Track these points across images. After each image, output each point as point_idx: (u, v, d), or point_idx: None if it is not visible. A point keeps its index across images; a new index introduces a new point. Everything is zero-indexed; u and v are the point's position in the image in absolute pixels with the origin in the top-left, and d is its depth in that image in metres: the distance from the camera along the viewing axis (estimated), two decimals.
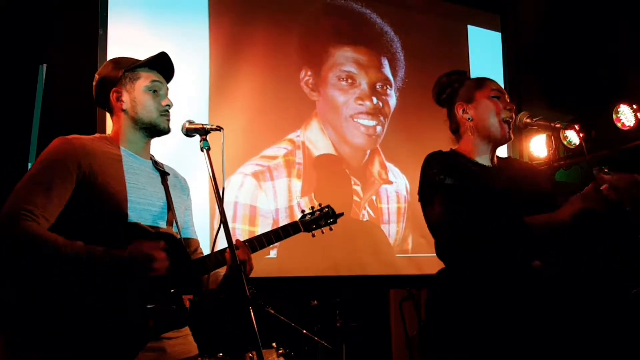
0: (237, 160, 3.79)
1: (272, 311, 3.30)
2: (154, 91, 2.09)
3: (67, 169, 1.89)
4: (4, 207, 1.83)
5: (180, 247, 2.01)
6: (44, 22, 3.30)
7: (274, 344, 3.23)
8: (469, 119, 2.15)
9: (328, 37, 4.24)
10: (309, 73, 4.13)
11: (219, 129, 2.04)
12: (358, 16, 4.41)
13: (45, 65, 3.24)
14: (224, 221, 1.86)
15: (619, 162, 4.30)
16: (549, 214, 1.93)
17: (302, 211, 2.32)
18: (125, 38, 3.46)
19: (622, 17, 4.55)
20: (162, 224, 2.04)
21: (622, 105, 4.37)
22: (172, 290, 1.95)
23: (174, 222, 2.08)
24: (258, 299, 3.14)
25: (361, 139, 4.23)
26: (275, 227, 3.77)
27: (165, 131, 2.11)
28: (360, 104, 4.23)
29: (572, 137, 4.56)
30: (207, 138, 2.03)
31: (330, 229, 2.35)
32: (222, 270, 2.10)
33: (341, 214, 2.38)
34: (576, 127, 2.60)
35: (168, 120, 2.10)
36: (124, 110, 2.07)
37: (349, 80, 4.23)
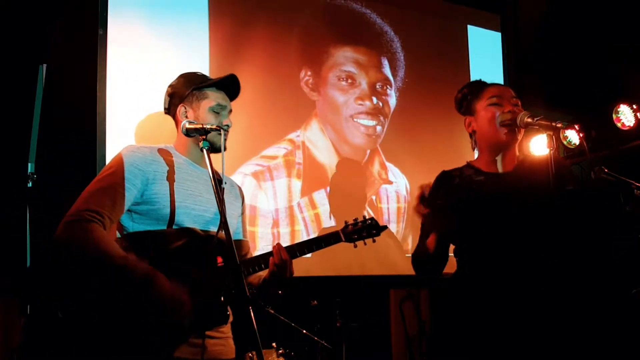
0: (237, 160, 3.79)
1: (272, 311, 3.30)
2: (217, 112, 2.20)
3: (132, 174, 2.02)
4: (71, 208, 1.96)
5: (228, 249, 2.08)
6: (44, 22, 3.29)
7: (274, 344, 3.23)
8: (473, 131, 2.18)
9: (328, 37, 4.24)
10: (309, 73, 4.13)
11: (218, 129, 2.07)
12: (358, 16, 4.41)
13: (45, 65, 3.24)
14: (224, 221, 1.88)
15: (619, 162, 4.30)
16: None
17: (345, 222, 2.34)
18: (125, 38, 3.46)
19: (622, 17, 4.55)
20: (214, 229, 2.14)
21: (622, 105, 4.37)
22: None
23: (226, 226, 2.16)
24: (258, 299, 3.14)
25: (361, 139, 4.23)
26: (275, 227, 3.81)
27: (220, 149, 2.18)
28: (360, 104, 4.23)
29: (572, 137, 4.56)
30: (207, 138, 2.06)
31: (373, 240, 2.35)
32: (263, 273, 2.20)
33: (385, 227, 2.37)
34: (576, 127, 2.61)
35: (225, 139, 2.16)
36: None
37: (349, 80, 4.23)
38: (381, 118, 4.31)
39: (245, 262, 2.17)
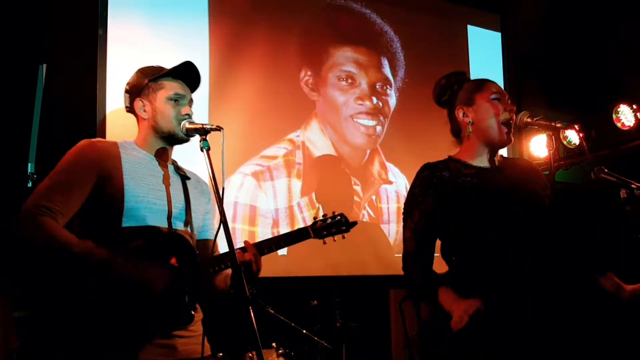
0: (237, 160, 3.79)
1: (272, 311, 3.30)
2: (175, 101, 2.13)
3: (87, 169, 1.97)
4: (25, 203, 1.92)
5: (190, 248, 2.05)
6: (44, 22, 3.29)
7: (274, 344, 3.23)
8: (469, 122, 2.14)
9: (328, 37, 4.24)
10: (309, 73, 4.13)
11: (218, 129, 2.06)
12: (358, 16, 4.41)
13: (45, 65, 3.24)
14: (224, 221, 1.87)
15: (619, 162, 4.30)
16: (445, 292, 2.00)
17: (314, 218, 2.30)
18: (125, 38, 3.46)
19: (622, 17, 4.55)
20: (179, 225, 2.09)
21: (622, 105, 4.37)
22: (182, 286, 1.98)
23: (190, 223, 2.13)
24: (258, 299, 3.14)
25: (361, 139, 4.23)
26: (275, 227, 3.81)
27: (184, 140, 2.15)
28: (360, 104, 4.23)
29: (572, 137, 4.56)
30: (207, 138, 2.04)
31: (343, 237, 2.32)
32: (229, 271, 2.13)
33: (355, 223, 2.34)
34: (576, 127, 2.61)
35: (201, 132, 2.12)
36: (146, 119, 2.15)
37: (349, 80, 4.23)
38: (381, 118, 4.31)
39: (210, 260, 2.10)
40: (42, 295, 1.86)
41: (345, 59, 4.25)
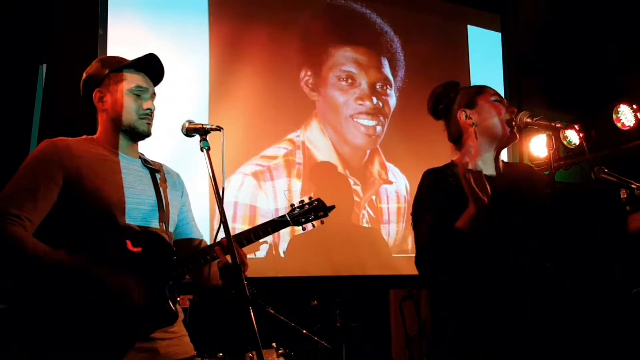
0: (237, 160, 3.79)
1: (272, 311, 3.30)
2: (137, 94, 2.06)
3: (51, 170, 1.90)
4: None
5: (167, 245, 2.00)
6: (44, 22, 3.30)
7: (274, 344, 3.24)
8: (472, 123, 2.14)
9: (328, 37, 4.24)
10: (309, 73, 4.13)
11: (218, 129, 2.03)
12: (358, 16, 4.41)
13: (45, 65, 3.24)
14: (224, 221, 1.85)
15: (619, 162, 4.30)
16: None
17: (291, 205, 2.20)
18: (125, 38, 3.46)
19: (622, 17, 4.55)
20: (153, 223, 2.03)
21: (622, 105, 4.37)
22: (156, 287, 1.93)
23: (165, 220, 2.06)
24: (258, 299, 3.14)
25: (361, 139, 4.23)
26: None
27: (145, 134, 2.08)
28: (360, 104, 4.23)
29: (572, 137, 4.57)
30: (207, 138, 2.01)
31: (322, 222, 2.21)
32: (214, 266, 2.07)
33: (332, 207, 2.23)
34: (576, 127, 2.61)
35: (148, 123, 2.07)
36: (105, 111, 2.07)
37: (349, 80, 4.23)
38: (381, 118, 4.31)
39: (187, 256, 2.03)
40: (19, 301, 1.81)
41: (345, 59, 4.25)
